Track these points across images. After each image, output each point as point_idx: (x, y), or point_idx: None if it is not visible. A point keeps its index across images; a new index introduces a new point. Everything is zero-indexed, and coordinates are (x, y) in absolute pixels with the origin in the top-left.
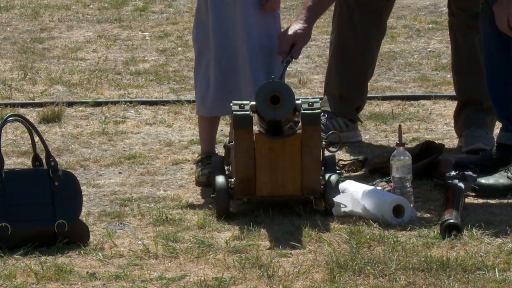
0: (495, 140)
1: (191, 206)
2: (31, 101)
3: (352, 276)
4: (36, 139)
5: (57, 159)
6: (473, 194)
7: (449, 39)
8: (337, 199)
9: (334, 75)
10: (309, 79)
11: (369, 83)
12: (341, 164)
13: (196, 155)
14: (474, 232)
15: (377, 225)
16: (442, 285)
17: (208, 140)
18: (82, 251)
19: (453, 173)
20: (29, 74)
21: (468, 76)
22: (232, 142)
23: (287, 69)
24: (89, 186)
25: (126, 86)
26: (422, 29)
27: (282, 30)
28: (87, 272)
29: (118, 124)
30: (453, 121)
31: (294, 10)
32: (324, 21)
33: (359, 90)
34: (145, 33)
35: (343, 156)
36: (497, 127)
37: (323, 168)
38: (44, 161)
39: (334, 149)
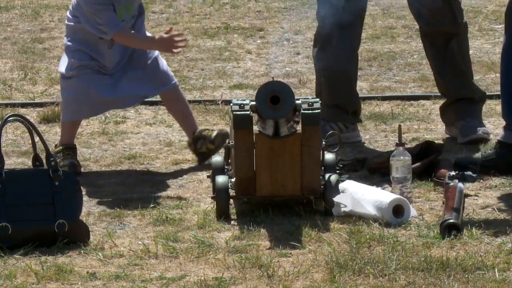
0: (498, 138)
1: (191, 206)
2: (31, 101)
3: (352, 276)
4: (36, 139)
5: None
6: (473, 194)
7: None
8: (337, 199)
9: (324, 90)
10: (309, 79)
11: (369, 83)
12: (341, 164)
13: (195, 156)
14: (474, 232)
15: (377, 225)
16: (442, 285)
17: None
18: (82, 251)
19: (453, 173)
20: (29, 74)
21: (456, 78)
22: (232, 142)
23: (287, 69)
24: (89, 186)
25: None
26: None
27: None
28: (87, 272)
29: (118, 124)
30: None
31: (294, 10)
32: None
33: (350, 98)
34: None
35: (343, 156)
36: (498, 126)
37: (323, 168)
38: (44, 161)
39: (334, 149)
